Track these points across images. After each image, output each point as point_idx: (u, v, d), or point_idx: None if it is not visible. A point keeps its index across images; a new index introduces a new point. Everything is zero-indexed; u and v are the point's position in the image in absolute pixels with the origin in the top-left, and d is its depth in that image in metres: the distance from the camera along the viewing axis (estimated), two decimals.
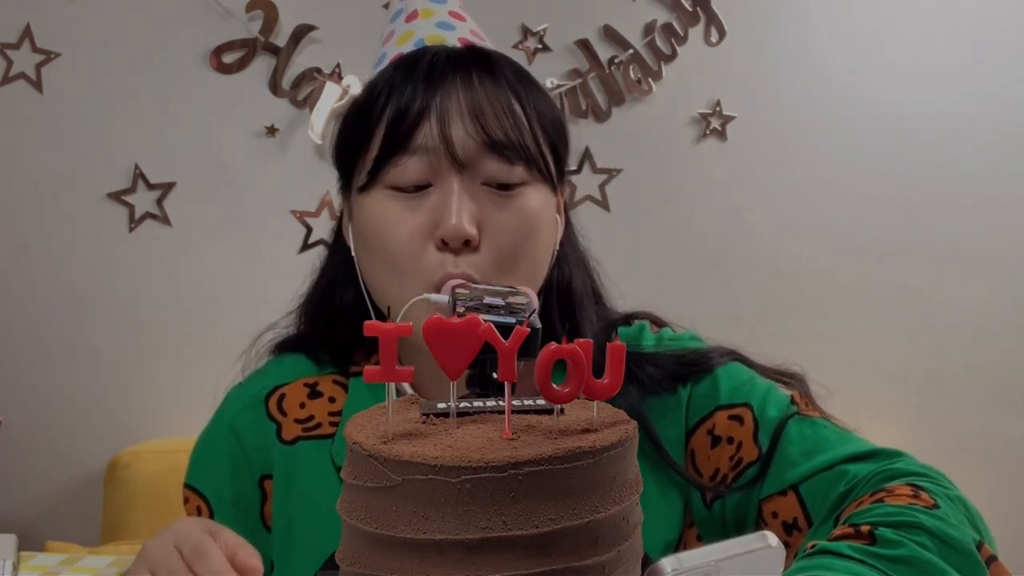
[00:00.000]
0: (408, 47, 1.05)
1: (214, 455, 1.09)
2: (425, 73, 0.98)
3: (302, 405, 1.07)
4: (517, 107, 0.99)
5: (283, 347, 1.14)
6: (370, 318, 1.02)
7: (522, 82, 1.02)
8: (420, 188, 0.97)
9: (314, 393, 1.08)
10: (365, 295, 1.04)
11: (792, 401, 1.02)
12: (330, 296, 1.10)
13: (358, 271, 1.04)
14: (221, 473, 1.08)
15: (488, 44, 1.09)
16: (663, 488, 1.02)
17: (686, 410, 1.03)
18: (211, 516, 1.08)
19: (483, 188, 0.97)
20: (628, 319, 1.12)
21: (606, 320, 1.09)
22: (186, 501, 1.11)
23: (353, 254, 1.05)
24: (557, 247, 1.06)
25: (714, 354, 1.05)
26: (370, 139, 0.99)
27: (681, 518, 1.02)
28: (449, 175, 0.96)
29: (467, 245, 0.95)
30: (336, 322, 1.09)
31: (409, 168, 0.96)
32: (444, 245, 0.95)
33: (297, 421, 1.06)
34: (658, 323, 1.12)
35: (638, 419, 0.99)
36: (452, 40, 1.05)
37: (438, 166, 0.96)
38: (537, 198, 1.00)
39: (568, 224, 1.09)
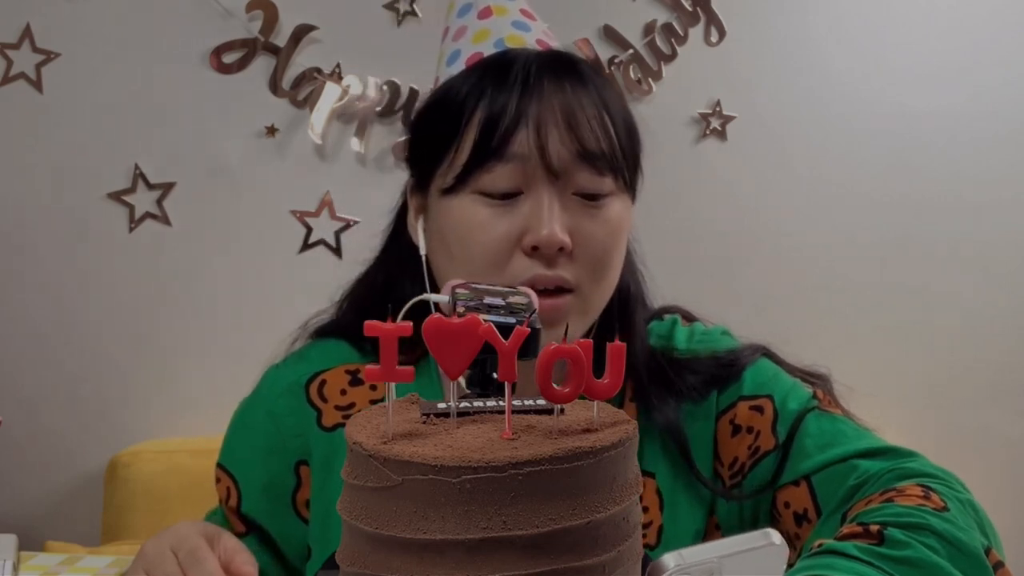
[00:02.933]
0: (487, 46, 1.04)
1: (249, 439, 1.10)
2: (519, 79, 0.97)
3: (343, 392, 1.08)
4: (606, 117, 0.99)
5: (323, 332, 1.14)
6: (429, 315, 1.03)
7: (607, 89, 1.02)
8: (509, 195, 0.97)
9: (355, 380, 1.08)
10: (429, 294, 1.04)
11: (814, 397, 1.03)
12: (388, 291, 1.10)
13: (424, 270, 1.04)
14: (255, 458, 1.09)
15: (557, 44, 1.09)
16: (693, 484, 1.04)
17: (715, 408, 1.06)
18: (240, 498, 1.09)
19: (573, 198, 0.97)
20: (660, 314, 1.14)
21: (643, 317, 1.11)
22: (217, 480, 1.12)
23: (423, 253, 1.05)
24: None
25: (745, 352, 1.07)
26: (457, 142, 0.99)
27: (708, 509, 1.05)
28: (541, 184, 0.96)
29: (561, 252, 0.96)
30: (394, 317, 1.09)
31: (501, 175, 0.96)
32: (533, 251, 0.96)
33: (338, 408, 1.07)
34: (688, 318, 1.14)
35: (676, 432, 1.02)
36: (530, 41, 1.05)
37: (531, 174, 0.96)
38: (620, 208, 1.01)
39: None
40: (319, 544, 1.05)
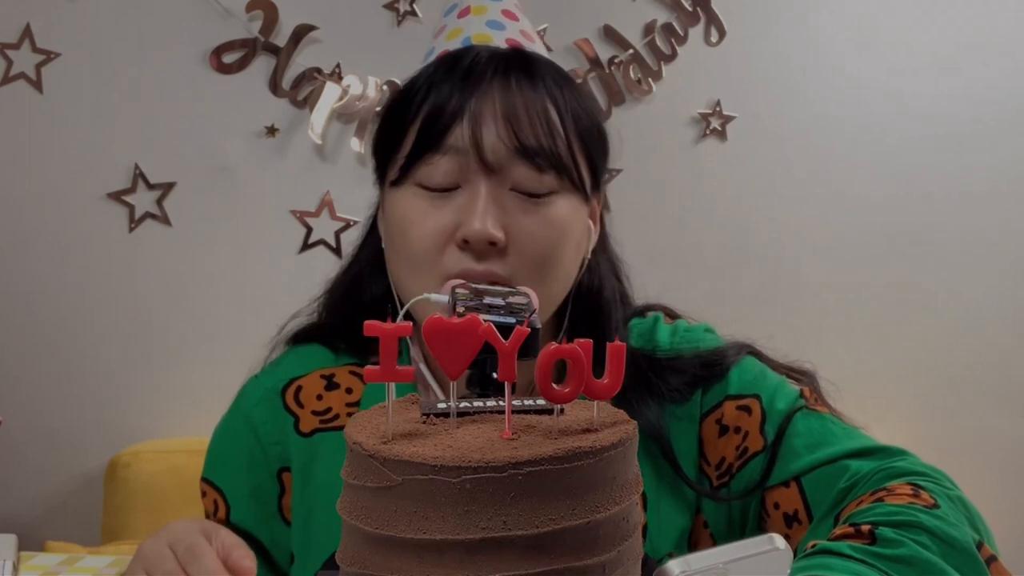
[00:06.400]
0: (455, 44, 1.04)
1: (231, 449, 1.10)
2: (464, 73, 0.98)
3: (319, 397, 1.08)
4: (554, 114, 0.98)
5: (299, 338, 1.14)
6: (397, 312, 1.03)
7: (562, 88, 1.01)
8: (448, 189, 0.97)
9: (331, 385, 1.08)
10: (392, 289, 1.04)
11: (801, 395, 1.02)
12: (358, 287, 1.10)
13: (388, 267, 1.04)
14: (238, 467, 1.09)
15: (537, 46, 1.08)
16: (677, 485, 1.03)
17: (699, 407, 1.05)
18: (228, 509, 1.08)
19: (511, 194, 0.97)
20: (642, 311, 1.13)
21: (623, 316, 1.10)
22: (204, 495, 1.11)
23: (384, 247, 1.05)
24: (588, 255, 1.06)
25: (730, 351, 1.06)
26: (405, 135, 0.99)
27: (693, 509, 1.04)
28: (477, 178, 0.96)
29: (493, 247, 0.95)
30: (361, 314, 1.09)
31: (439, 168, 0.96)
32: (465, 244, 0.95)
33: (315, 413, 1.07)
34: (671, 315, 1.13)
35: (658, 435, 1.01)
36: (499, 40, 1.04)
37: (467, 168, 0.96)
38: (566, 207, 0.99)
39: (602, 231, 1.10)
40: (301, 549, 1.05)
